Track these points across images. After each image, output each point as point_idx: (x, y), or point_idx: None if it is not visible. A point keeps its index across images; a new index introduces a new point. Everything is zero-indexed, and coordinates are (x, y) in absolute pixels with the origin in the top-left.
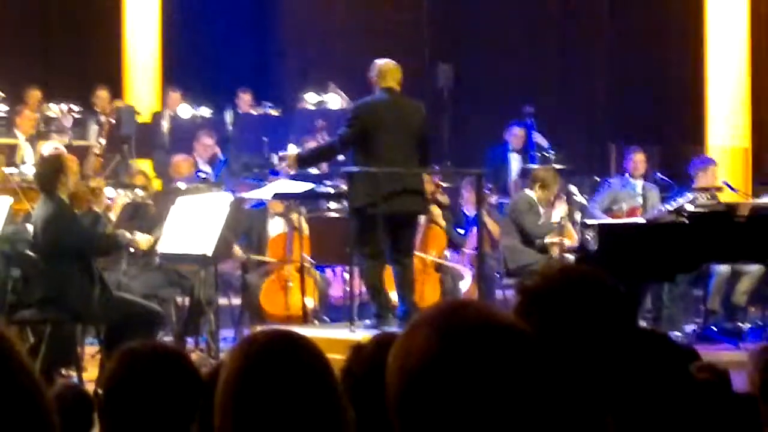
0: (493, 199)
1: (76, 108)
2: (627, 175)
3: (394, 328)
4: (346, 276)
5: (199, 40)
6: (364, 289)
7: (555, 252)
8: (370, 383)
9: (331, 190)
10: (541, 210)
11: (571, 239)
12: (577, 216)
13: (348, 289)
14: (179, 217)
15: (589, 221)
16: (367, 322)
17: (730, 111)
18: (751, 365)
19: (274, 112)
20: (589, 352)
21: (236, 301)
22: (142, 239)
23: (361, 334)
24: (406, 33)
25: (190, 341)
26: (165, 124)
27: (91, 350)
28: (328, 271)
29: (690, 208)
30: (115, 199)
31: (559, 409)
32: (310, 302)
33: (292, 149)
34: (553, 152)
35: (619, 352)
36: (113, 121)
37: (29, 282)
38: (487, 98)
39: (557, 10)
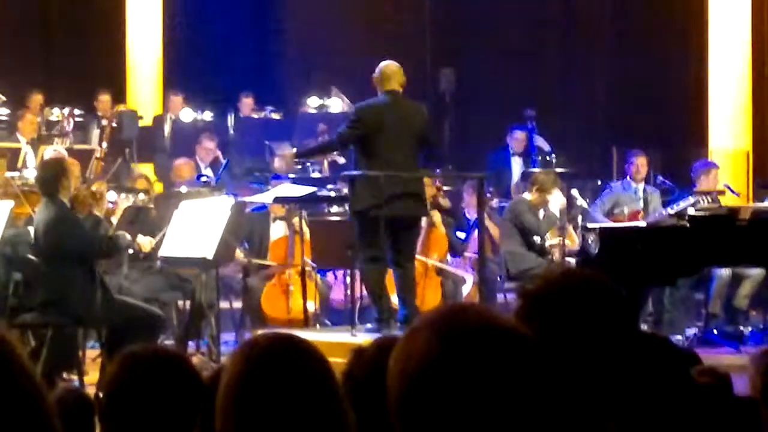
0: (495, 202)
1: (77, 112)
2: (628, 178)
3: (395, 331)
4: (348, 280)
5: (201, 44)
6: (365, 292)
7: (556, 254)
8: (371, 387)
9: (333, 194)
10: (541, 213)
11: (573, 242)
12: (579, 219)
13: (349, 292)
14: (181, 221)
15: (590, 225)
16: (369, 325)
17: (731, 114)
18: (752, 369)
19: (275, 116)
20: (591, 355)
21: (237, 304)
22: (144, 241)
23: (363, 337)
24: (408, 37)
25: (191, 345)
26: (166, 128)
27: (92, 354)
28: (330, 275)
29: (691, 211)
30: (116, 202)
31: (561, 413)
32: (312, 306)
33: (287, 148)
34: (554, 156)
35: (620, 355)
36: (115, 125)
37: (30, 285)
38: (488, 102)
39: (559, 13)
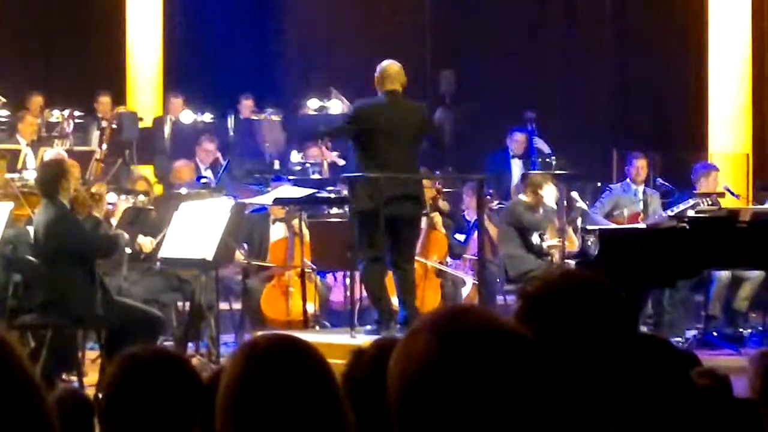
0: (495, 204)
1: (77, 113)
2: (628, 180)
3: (395, 333)
4: (347, 281)
5: (201, 45)
6: (365, 294)
7: (556, 256)
8: (371, 388)
9: (332, 196)
10: (540, 212)
11: (572, 244)
12: (579, 221)
13: (349, 294)
14: (181, 223)
15: (590, 227)
16: (368, 327)
17: (731, 117)
18: (751, 370)
19: (275, 118)
20: (590, 357)
21: (237, 306)
22: (145, 242)
23: (362, 339)
24: (409, 39)
25: (190, 346)
26: (166, 130)
27: (91, 355)
28: (329, 277)
29: (691, 213)
30: (116, 204)
31: (560, 415)
32: (311, 307)
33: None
34: (554, 158)
35: (619, 357)
36: (115, 127)
37: (30, 287)
38: (488, 104)
39: (559, 15)
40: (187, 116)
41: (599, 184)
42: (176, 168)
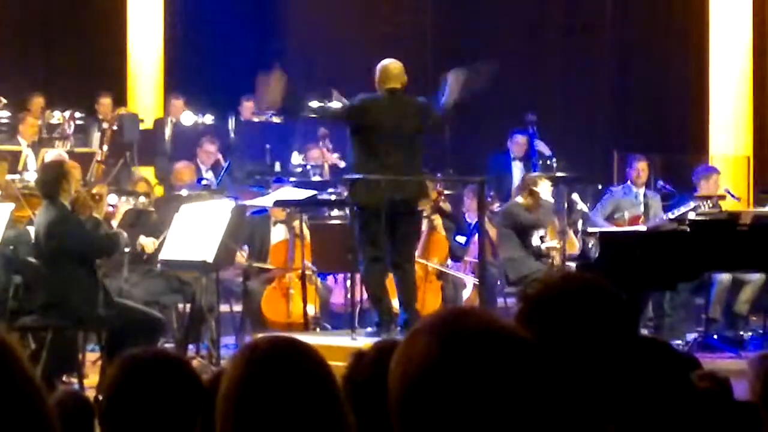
0: (495, 206)
1: (78, 115)
2: (629, 183)
3: (395, 335)
4: (348, 283)
5: (202, 47)
6: (365, 296)
7: (556, 258)
8: (371, 390)
9: (333, 198)
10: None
11: (573, 247)
12: (580, 224)
13: (349, 296)
14: (182, 224)
15: (590, 229)
16: (369, 329)
17: (732, 120)
18: (751, 373)
19: (276, 120)
20: (591, 359)
21: (237, 308)
22: (147, 242)
23: (363, 341)
24: (409, 40)
25: (191, 348)
26: (167, 132)
27: (92, 357)
28: (330, 279)
29: (692, 216)
30: (117, 205)
31: (561, 417)
32: (312, 309)
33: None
34: (555, 160)
35: (620, 360)
36: (116, 128)
37: (30, 288)
38: (489, 106)
39: (560, 18)
40: (188, 118)
41: (600, 187)
42: (177, 169)
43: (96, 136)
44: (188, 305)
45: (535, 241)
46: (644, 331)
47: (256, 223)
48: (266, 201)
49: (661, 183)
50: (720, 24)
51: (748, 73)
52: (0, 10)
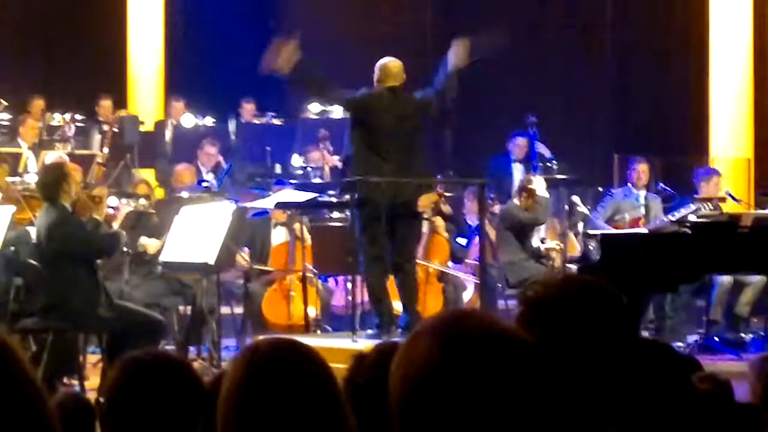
0: (496, 208)
1: (79, 117)
2: (630, 185)
3: (396, 337)
4: (349, 285)
5: (203, 49)
6: (366, 298)
7: (557, 261)
8: (372, 392)
9: (334, 200)
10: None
11: (574, 249)
12: (580, 226)
13: (350, 298)
14: (182, 226)
15: (591, 231)
16: (370, 331)
17: (732, 122)
18: (751, 375)
19: (277, 122)
20: (591, 361)
21: (238, 310)
22: (149, 243)
23: (364, 343)
24: (409, 40)
25: (192, 350)
26: (168, 134)
27: (93, 359)
28: (331, 281)
29: (693, 218)
30: (118, 208)
31: (561, 419)
32: (313, 311)
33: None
34: (555, 162)
35: (620, 362)
36: (116, 130)
37: (31, 290)
38: (490, 108)
39: (560, 20)
40: (189, 120)
41: (600, 189)
42: (177, 172)
43: (96, 138)
44: (189, 307)
45: (535, 242)
46: (645, 333)
47: (257, 225)
48: (267, 203)
49: (661, 185)
50: (720, 27)
51: (748, 75)
52: (0, 12)
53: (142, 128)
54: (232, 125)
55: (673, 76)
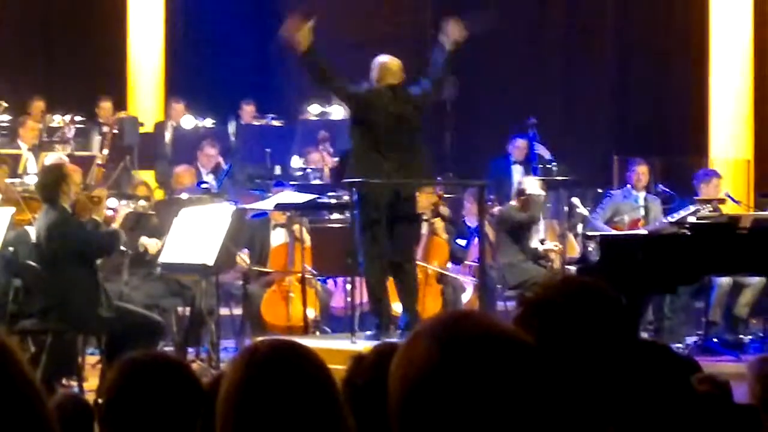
0: (496, 210)
1: (79, 118)
2: (629, 186)
3: (395, 338)
4: (348, 287)
5: (203, 51)
6: (365, 299)
7: (556, 262)
8: (371, 393)
9: (333, 201)
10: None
11: (573, 250)
12: (579, 227)
13: (349, 299)
14: (182, 228)
15: (590, 233)
16: (369, 333)
17: (732, 123)
18: (750, 376)
19: (276, 123)
20: (591, 363)
21: (237, 311)
22: (150, 243)
23: (362, 344)
24: (409, 40)
25: (191, 351)
26: (167, 135)
27: (92, 360)
28: (330, 282)
29: (692, 219)
30: (117, 209)
31: (560, 420)
32: (312, 313)
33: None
34: (555, 163)
35: (620, 363)
36: (116, 132)
37: (30, 292)
38: (490, 110)
39: (560, 21)
40: (189, 121)
41: (600, 190)
42: (177, 173)
43: (96, 139)
44: (188, 308)
45: (534, 243)
46: (644, 335)
47: (257, 227)
48: (266, 204)
49: (661, 186)
50: (720, 29)
51: (748, 78)
52: (0, 11)
53: (141, 130)
54: (231, 127)
55: (673, 77)
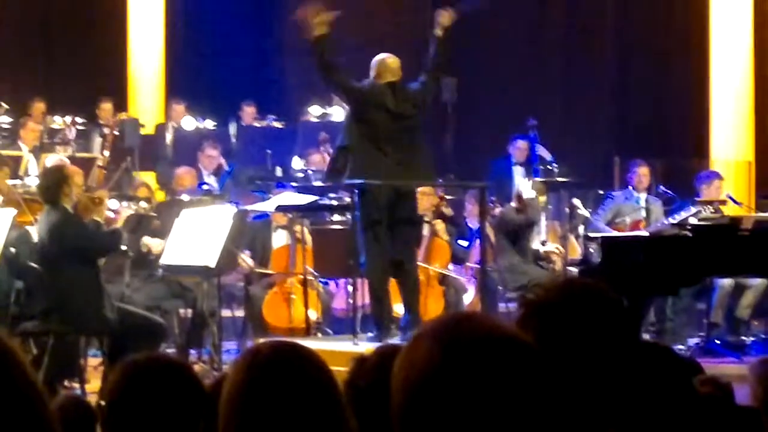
0: (497, 211)
1: (79, 120)
2: (630, 188)
3: (396, 340)
4: (350, 288)
5: (203, 52)
6: (367, 301)
7: (558, 263)
8: (373, 395)
9: (335, 203)
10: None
11: (574, 252)
12: (581, 229)
13: (351, 301)
14: (183, 229)
15: (592, 234)
16: (370, 334)
17: (733, 125)
18: (752, 377)
19: (277, 125)
20: (592, 364)
21: (239, 313)
22: (153, 243)
23: (364, 346)
24: (409, 40)
25: (193, 353)
26: (168, 137)
27: (93, 362)
28: (331, 284)
29: (693, 221)
30: (118, 211)
31: (562, 421)
32: (313, 314)
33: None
34: (556, 165)
35: (621, 365)
36: (117, 133)
37: (32, 293)
38: (490, 111)
39: (560, 21)
40: (189, 123)
41: (601, 192)
42: (178, 175)
43: (97, 141)
44: (190, 310)
45: (535, 244)
46: (646, 336)
47: (258, 228)
48: (268, 206)
49: (662, 188)
50: (721, 31)
51: (749, 79)
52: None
53: (142, 131)
54: (232, 128)
55: (673, 77)
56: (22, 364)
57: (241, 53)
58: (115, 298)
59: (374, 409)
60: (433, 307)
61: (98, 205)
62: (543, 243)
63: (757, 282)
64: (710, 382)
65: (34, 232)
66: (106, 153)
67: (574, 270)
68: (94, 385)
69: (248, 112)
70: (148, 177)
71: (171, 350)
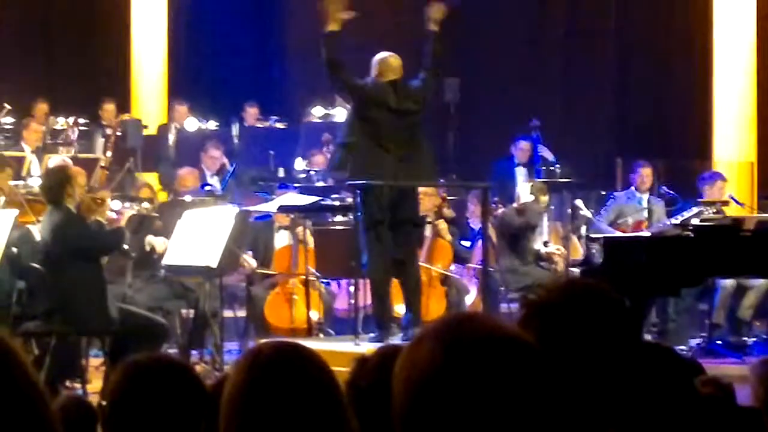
0: (499, 212)
1: (82, 121)
2: (633, 188)
3: (397, 340)
4: (351, 289)
5: (206, 53)
6: (369, 302)
7: (560, 264)
8: (375, 396)
9: (337, 203)
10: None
11: (577, 252)
12: (583, 229)
13: (353, 302)
14: (185, 230)
15: (594, 235)
16: (372, 335)
17: (736, 125)
18: (753, 378)
19: (280, 126)
20: (594, 365)
21: (241, 313)
22: (158, 242)
23: (366, 346)
24: (409, 40)
25: (194, 354)
26: (171, 137)
27: (95, 362)
28: (333, 284)
29: (695, 221)
30: (121, 211)
31: (563, 422)
32: (315, 315)
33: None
34: (558, 166)
35: (623, 365)
36: (119, 134)
37: (34, 294)
38: (491, 112)
39: (560, 21)
40: (192, 124)
41: (603, 192)
42: (180, 175)
43: (100, 142)
44: (192, 311)
45: (537, 245)
46: (648, 337)
47: (260, 229)
48: (270, 207)
49: (664, 188)
50: (723, 31)
51: (751, 80)
52: (0, 11)
53: (145, 132)
54: (235, 129)
55: (676, 78)
56: (23, 364)
57: (243, 54)
58: (117, 298)
59: (376, 410)
60: (435, 307)
61: (100, 205)
62: (545, 244)
63: (759, 283)
64: (712, 382)
65: (36, 232)
66: (109, 154)
67: (576, 270)
68: (95, 385)
69: (251, 112)
70: (151, 178)
71: (173, 350)
